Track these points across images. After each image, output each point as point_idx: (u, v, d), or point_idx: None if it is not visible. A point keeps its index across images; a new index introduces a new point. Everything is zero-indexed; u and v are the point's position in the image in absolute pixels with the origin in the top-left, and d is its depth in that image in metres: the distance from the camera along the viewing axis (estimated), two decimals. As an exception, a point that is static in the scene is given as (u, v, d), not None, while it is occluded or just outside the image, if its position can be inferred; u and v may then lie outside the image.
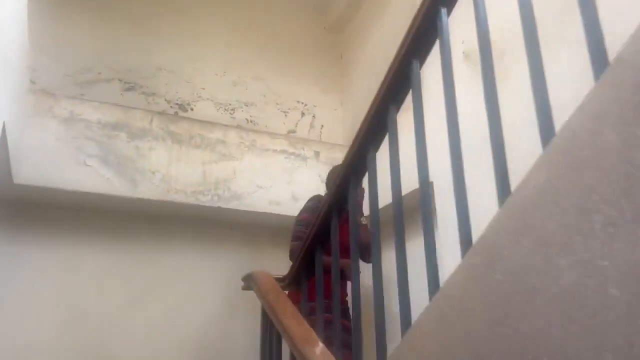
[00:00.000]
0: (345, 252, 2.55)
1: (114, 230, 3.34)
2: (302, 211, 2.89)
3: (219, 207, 3.31)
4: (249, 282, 2.07)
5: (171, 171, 3.28)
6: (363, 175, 1.81)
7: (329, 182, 2.93)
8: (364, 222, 2.79)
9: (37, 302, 3.06)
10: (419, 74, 1.54)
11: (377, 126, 1.70)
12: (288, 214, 3.54)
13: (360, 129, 1.78)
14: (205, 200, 3.32)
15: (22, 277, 3.07)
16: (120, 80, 3.73)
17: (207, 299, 3.45)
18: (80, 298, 3.17)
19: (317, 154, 3.80)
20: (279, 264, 3.75)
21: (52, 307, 3.08)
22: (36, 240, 3.15)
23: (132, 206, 3.26)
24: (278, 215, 3.50)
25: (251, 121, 4.09)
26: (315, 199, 2.89)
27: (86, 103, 3.21)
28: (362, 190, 2.74)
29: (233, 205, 3.35)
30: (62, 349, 3.03)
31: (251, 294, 3.22)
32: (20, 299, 3.01)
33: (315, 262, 1.94)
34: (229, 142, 3.53)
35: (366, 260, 2.79)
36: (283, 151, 3.69)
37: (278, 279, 2.01)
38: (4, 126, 2.21)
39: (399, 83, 1.59)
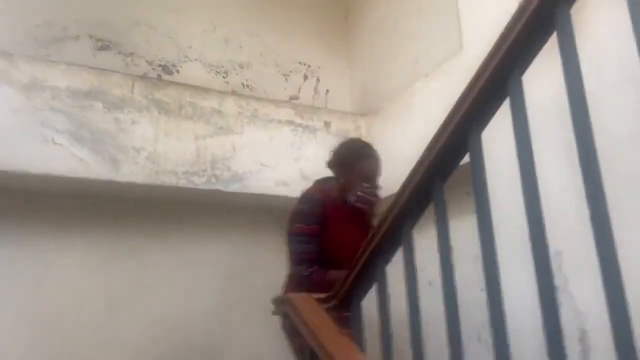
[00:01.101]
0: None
1: (92, 219, 2.80)
2: (293, 220, 2.18)
3: (217, 190, 2.80)
4: (285, 308, 1.60)
5: (159, 148, 2.73)
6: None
7: (336, 162, 2.28)
8: None
9: (5, 304, 2.53)
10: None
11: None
12: (297, 195, 3.05)
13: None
14: (200, 182, 2.79)
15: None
16: (91, 37, 3.10)
17: (204, 295, 2.97)
18: (55, 298, 2.66)
19: (327, 124, 3.28)
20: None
21: (22, 310, 2.57)
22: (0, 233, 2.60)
23: (113, 191, 2.72)
24: (286, 197, 2.99)
25: (247, 85, 3.52)
26: (308, 199, 2.21)
27: (51, 66, 2.60)
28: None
29: (234, 188, 2.84)
30: (35, 358, 2.54)
31: (255, 291, 2.77)
32: None
33: (377, 277, 1.47)
34: (226, 112, 2.97)
35: None
36: (289, 122, 3.16)
37: (320, 300, 1.54)
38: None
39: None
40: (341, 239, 2.15)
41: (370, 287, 1.52)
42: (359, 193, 2.16)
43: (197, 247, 3.00)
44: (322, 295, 1.59)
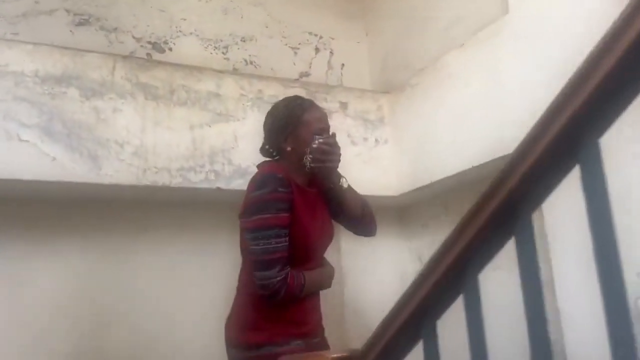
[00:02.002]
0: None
1: (70, 225, 2.42)
2: (250, 211, 1.63)
3: (217, 189, 2.38)
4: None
5: (147, 141, 2.31)
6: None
7: (276, 131, 1.73)
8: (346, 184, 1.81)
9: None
10: None
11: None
12: (311, 190, 2.64)
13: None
14: (198, 180, 2.37)
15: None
16: (67, 11, 2.67)
17: (203, 305, 2.59)
18: (33, 311, 2.30)
19: (343, 105, 2.83)
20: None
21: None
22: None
23: (93, 193, 2.31)
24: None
25: (251, 62, 3.08)
26: (268, 180, 1.62)
27: (13, 46, 2.17)
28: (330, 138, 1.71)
29: (237, 184, 2.41)
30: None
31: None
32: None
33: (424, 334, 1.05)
34: (225, 95, 2.53)
35: (369, 232, 1.99)
36: (299, 104, 2.71)
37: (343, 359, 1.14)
38: None
39: None
40: (312, 229, 1.70)
41: (413, 347, 1.11)
42: (314, 145, 1.67)
43: (196, 253, 2.60)
44: (345, 353, 1.18)
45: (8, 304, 2.28)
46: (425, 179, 2.62)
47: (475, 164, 2.32)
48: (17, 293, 2.30)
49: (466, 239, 0.95)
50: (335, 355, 1.17)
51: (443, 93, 2.55)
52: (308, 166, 1.69)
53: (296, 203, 1.65)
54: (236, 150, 2.49)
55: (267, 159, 1.81)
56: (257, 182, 1.65)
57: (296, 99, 1.83)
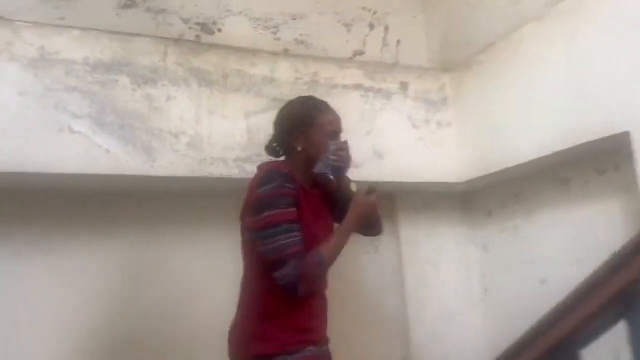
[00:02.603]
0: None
1: (124, 218, 2.33)
2: (256, 209, 1.55)
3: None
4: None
5: (202, 131, 2.19)
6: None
7: (289, 129, 1.69)
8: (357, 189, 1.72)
9: (38, 314, 2.15)
10: None
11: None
12: (371, 178, 2.47)
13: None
14: (254, 170, 2.24)
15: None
16: (113, -9, 2.54)
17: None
18: (91, 306, 2.25)
19: (403, 85, 2.64)
20: (364, 249, 2.76)
21: (56, 318, 2.17)
22: (14, 242, 2.17)
23: (148, 186, 2.22)
24: (357, 182, 2.43)
25: (302, 42, 2.89)
26: (272, 176, 1.57)
27: (64, 32, 2.07)
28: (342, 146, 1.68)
29: (295, 174, 2.28)
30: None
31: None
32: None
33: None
34: (280, 80, 2.38)
35: (374, 232, 1.86)
36: (357, 86, 2.54)
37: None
38: None
39: None
40: (317, 229, 1.63)
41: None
42: (331, 156, 1.63)
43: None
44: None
45: (65, 293, 2.22)
46: (495, 165, 2.42)
47: (557, 149, 2.12)
48: (72, 283, 2.24)
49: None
50: None
51: (517, 71, 2.33)
52: (320, 171, 1.64)
53: (301, 202, 1.59)
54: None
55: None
56: (262, 178, 1.59)
57: (311, 98, 1.77)
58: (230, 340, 1.64)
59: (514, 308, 2.62)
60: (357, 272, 2.69)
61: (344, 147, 1.68)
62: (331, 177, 1.64)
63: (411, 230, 2.83)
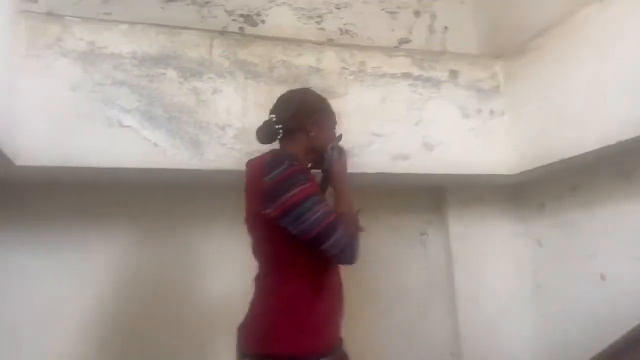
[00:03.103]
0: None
1: (173, 210, 2.35)
2: (277, 193, 1.45)
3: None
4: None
5: (248, 124, 2.15)
6: None
7: (304, 113, 1.66)
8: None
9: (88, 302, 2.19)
10: None
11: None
12: (420, 171, 2.41)
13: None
14: (301, 163, 2.21)
15: (54, 277, 2.18)
16: (158, -16, 2.54)
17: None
18: (144, 295, 2.28)
19: (453, 74, 2.54)
20: (411, 244, 2.70)
21: (82, 313, 2.21)
22: (67, 232, 2.21)
23: (195, 179, 2.21)
24: (407, 174, 2.37)
25: (346, 31, 2.84)
26: (284, 158, 1.51)
27: (111, 27, 2.07)
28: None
29: (343, 167, 2.22)
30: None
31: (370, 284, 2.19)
32: (46, 304, 2.15)
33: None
34: (326, 70, 2.33)
35: (342, 259, 1.55)
36: (406, 75, 2.46)
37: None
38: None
39: None
40: None
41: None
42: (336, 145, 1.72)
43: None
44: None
45: (118, 282, 2.26)
46: (552, 156, 2.30)
47: (621, 139, 1.99)
48: (118, 274, 2.27)
49: None
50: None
51: (575, 57, 2.20)
52: (331, 157, 1.69)
53: (311, 178, 1.56)
54: (339, 129, 2.29)
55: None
56: (269, 164, 1.51)
57: (318, 92, 1.80)
58: (244, 335, 1.54)
59: (569, 305, 2.52)
60: (405, 268, 2.63)
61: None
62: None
63: (461, 224, 2.75)
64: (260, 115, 2.16)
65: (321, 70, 2.32)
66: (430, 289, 2.67)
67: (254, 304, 1.56)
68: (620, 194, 2.28)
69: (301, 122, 1.66)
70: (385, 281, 2.39)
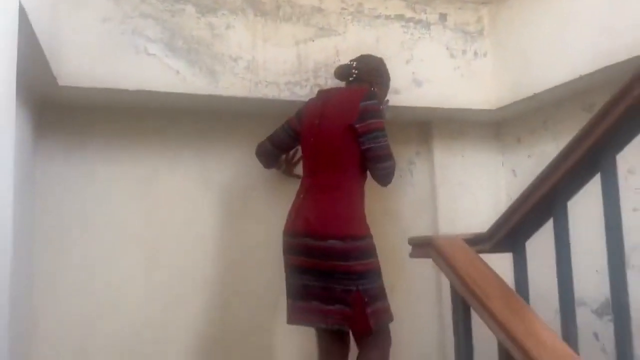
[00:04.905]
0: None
1: (193, 134, 2.64)
2: (379, 115, 2.17)
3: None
4: (426, 251, 1.34)
5: (257, 56, 2.44)
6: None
7: (376, 71, 2.38)
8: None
9: (119, 225, 2.51)
10: None
11: None
12: (409, 104, 2.70)
13: None
14: (303, 93, 2.51)
15: (90, 193, 2.49)
16: None
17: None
18: (167, 215, 2.59)
19: (442, 17, 2.80)
20: (400, 172, 2.99)
21: (137, 229, 2.53)
22: (100, 151, 2.51)
23: (211, 105, 2.51)
24: (396, 107, 2.66)
25: (346, -24, 3.07)
26: (374, 94, 2.21)
27: (136, -35, 2.32)
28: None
29: (340, 97, 2.52)
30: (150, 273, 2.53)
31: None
32: (84, 217, 2.47)
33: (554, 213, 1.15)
34: (327, 10, 2.59)
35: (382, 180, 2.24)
36: (399, 17, 2.72)
37: (471, 241, 1.27)
38: (21, 10, 1.42)
39: None
40: None
41: (542, 224, 1.21)
42: (388, 105, 2.37)
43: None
44: (472, 235, 1.31)
45: (140, 203, 2.57)
46: (527, 91, 2.60)
47: (584, 73, 2.28)
48: (145, 194, 2.58)
49: (609, 122, 1.01)
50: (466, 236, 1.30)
51: (552, 5, 2.46)
52: (386, 110, 2.31)
53: None
54: (337, 64, 2.57)
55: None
56: (367, 95, 2.15)
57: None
58: (341, 224, 2.04)
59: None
60: (394, 194, 2.94)
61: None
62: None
63: (445, 156, 3.05)
64: (267, 49, 2.47)
65: (323, 10, 2.58)
66: (415, 212, 3.00)
67: (336, 200, 2.10)
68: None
69: (371, 77, 2.30)
70: (377, 202, 2.69)
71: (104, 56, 2.20)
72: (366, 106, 2.11)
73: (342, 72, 2.35)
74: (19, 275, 1.80)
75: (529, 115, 2.86)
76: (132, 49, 2.26)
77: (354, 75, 2.30)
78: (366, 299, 1.96)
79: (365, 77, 2.30)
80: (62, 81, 2.12)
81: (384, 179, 2.18)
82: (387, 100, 2.39)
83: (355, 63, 2.33)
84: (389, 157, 2.14)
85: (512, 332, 1.03)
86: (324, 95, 2.30)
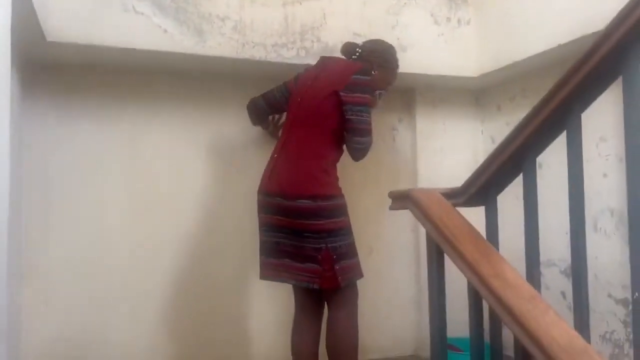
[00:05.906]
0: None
1: (178, 93, 2.67)
2: (364, 89, 2.19)
3: (307, 65, 2.54)
4: (405, 203, 1.42)
5: (245, 17, 2.46)
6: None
7: (380, 58, 2.38)
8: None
9: (104, 178, 2.55)
10: None
11: None
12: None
13: None
14: (289, 56, 2.54)
15: (76, 151, 2.52)
16: None
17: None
18: (150, 171, 2.64)
19: (428, -16, 2.84)
20: (382, 139, 3.07)
21: (120, 184, 2.58)
22: (86, 108, 2.54)
23: (198, 65, 2.53)
24: (381, 71, 2.71)
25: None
26: (368, 71, 2.24)
27: None
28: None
29: (326, 60, 2.56)
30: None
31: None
32: (73, 174, 2.51)
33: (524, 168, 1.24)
34: (315, -27, 2.61)
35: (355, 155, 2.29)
36: (386, -17, 2.75)
37: (446, 194, 1.35)
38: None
39: None
40: None
41: (512, 179, 1.29)
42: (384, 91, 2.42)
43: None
44: (448, 190, 1.39)
45: (125, 159, 2.62)
46: (507, 59, 2.67)
47: (562, 42, 2.35)
48: (130, 151, 2.62)
49: (576, 80, 1.08)
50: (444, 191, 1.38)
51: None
52: (380, 95, 2.40)
53: None
54: (324, 28, 2.62)
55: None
56: (362, 69, 2.20)
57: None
58: (310, 185, 2.08)
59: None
60: (377, 159, 3.01)
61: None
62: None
63: (427, 123, 3.13)
64: (255, 9, 2.48)
65: (310, -27, 2.60)
66: (396, 177, 3.09)
67: (308, 161, 2.12)
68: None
69: (373, 58, 2.33)
70: (358, 168, 2.76)
71: (92, 13, 2.21)
72: (357, 79, 2.14)
73: (347, 49, 2.39)
74: (13, 227, 1.84)
75: (510, 83, 2.94)
76: (121, 6, 2.26)
77: (357, 54, 2.35)
78: (335, 256, 2.03)
79: (368, 57, 2.33)
80: (50, 36, 2.13)
81: (357, 153, 2.22)
82: (387, 90, 2.44)
83: (362, 43, 2.40)
84: (367, 132, 2.17)
85: (479, 272, 1.12)
86: (323, 62, 2.33)
